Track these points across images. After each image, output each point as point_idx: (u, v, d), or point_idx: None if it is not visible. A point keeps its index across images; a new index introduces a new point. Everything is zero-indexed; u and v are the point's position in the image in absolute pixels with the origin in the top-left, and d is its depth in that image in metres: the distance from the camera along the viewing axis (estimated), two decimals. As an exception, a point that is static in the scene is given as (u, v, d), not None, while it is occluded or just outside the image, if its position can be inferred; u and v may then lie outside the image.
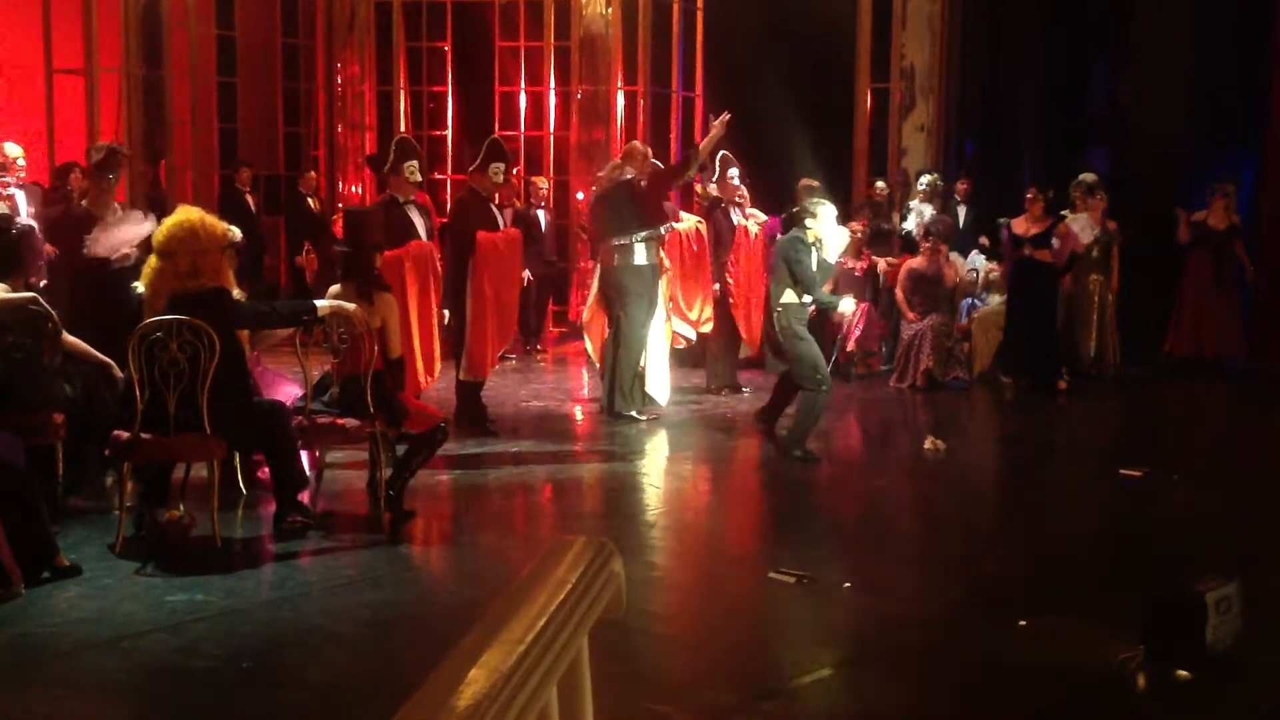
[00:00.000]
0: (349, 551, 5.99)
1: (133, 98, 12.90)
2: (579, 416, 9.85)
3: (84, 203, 7.48)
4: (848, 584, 5.48)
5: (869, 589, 5.47)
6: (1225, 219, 11.98)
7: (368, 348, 6.32)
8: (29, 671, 4.42)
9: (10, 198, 8.79)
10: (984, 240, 12.00)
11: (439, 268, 8.14)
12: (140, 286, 5.99)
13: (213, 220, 5.98)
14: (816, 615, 5.18)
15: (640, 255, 9.26)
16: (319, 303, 6.33)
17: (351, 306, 6.28)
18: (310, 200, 13.86)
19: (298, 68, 15.07)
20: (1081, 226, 11.38)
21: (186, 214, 5.96)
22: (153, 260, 5.91)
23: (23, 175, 9.29)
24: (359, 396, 6.29)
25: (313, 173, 14.24)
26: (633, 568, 5.49)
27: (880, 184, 13.20)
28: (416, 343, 7.77)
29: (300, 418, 6.29)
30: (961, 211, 13.16)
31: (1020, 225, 11.25)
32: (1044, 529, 6.77)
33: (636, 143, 10.23)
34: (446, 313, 8.36)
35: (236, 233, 6.88)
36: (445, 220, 10.11)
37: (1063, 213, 11.48)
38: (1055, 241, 11.14)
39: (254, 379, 6.77)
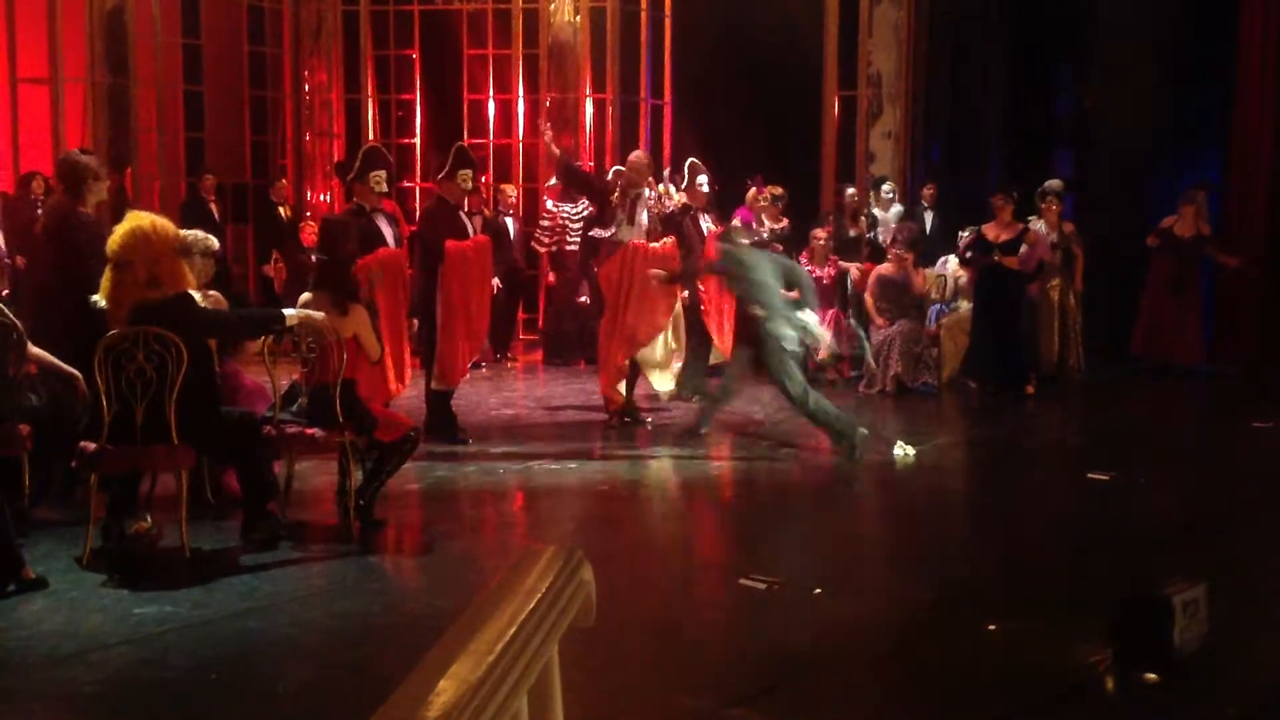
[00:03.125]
0: (318, 561, 5.96)
1: (98, 106, 12.82)
2: (549, 424, 9.83)
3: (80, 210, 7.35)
4: (818, 590, 5.49)
5: (839, 594, 5.49)
6: (1193, 227, 12.07)
7: (336, 357, 6.30)
8: (-5, 685, 4.38)
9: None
10: (960, 248, 12.04)
11: (407, 276, 8.13)
12: (100, 299, 5.90)
13: (164, 223, 5.86)
14: (787, 621, 5.18)
15: None
16: (287, 311, 6.29)
17: (320, 315, 6.25)
18: (281, 209, 13.80)
19: (265, 76, 15.00)
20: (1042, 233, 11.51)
21: (137, 220, 5.86)
22: (109, 272, 5.83)
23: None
24: (328, 406, 6.27)
25: (283, 181, 14.18)
26: (603, 575, 5.47)
27: (850, 190, 13.25)
28: (386, 351, 7.74)
29: (269, 427, 6.26)
30: (928, 217, 13.23)
31: (991, 231, 11.32)
32: (1013, 533, 6.81)
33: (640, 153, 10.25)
34: (415, 321, 8.35)
35: (214, 241, 6.86)
36: (414, 229, 10.08)
37: (1029, 219, 11.57)
38: (1024, 248, 11.22)
39: (235, 389, 6.75)
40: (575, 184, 10.35)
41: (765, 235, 11.77)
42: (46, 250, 7.27)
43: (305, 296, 6.67)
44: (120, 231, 5.81)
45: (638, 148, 13.90)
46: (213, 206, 13.11)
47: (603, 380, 9.57)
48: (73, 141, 12.15)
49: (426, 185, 13.95)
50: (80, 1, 12.64)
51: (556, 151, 9.72)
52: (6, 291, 7.37)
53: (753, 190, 11.93)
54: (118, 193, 12.82)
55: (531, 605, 1.88)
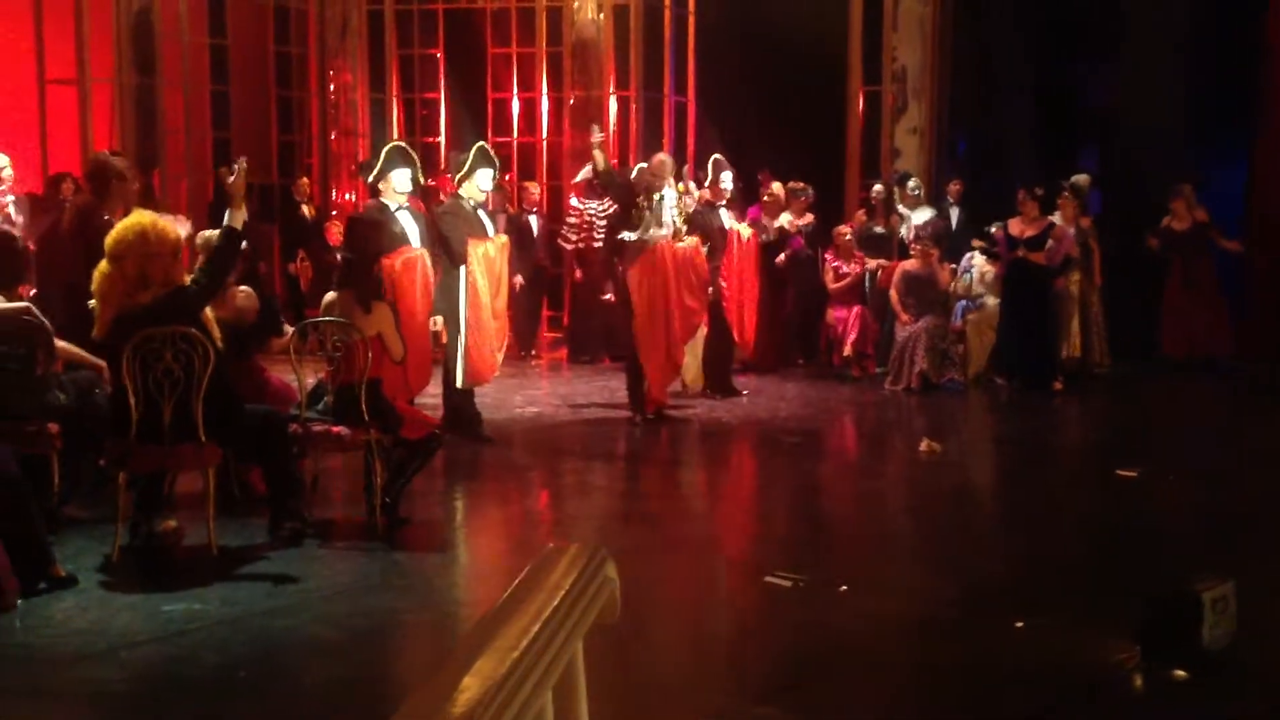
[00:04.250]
0: (344, 559, 5.99)
1: (126, 107, 12.90)
2: (573, 422, 9.84)
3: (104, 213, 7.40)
4: (844, 587, 5.48)
5: (865, 591, 5.47)
6: (1188, 219, 12.10)
7: (361, 356, 6.32)
8: (26, 681, 4.41)
9: (3, 207, 8.80)
10: (980, 243, 11.98)
11: (429, 275, 8.14)
12: (92, 302, 5.88)
13: (164, 225, 5.80)
14: (813, 618, 5.17)
15: None
16: (228, 219, 6.04)
17: (234, 177, 6.10)
18: (304, 207, 13.85)
19: (290, 75, 15.07)
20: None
21: (138, 217, 5.83)
22: (103, 265, 5.77)
23: (9, 185, 9.27)
24: (353, 404, 6.28)
25: (305, 179, 14.23)
26: (628, 572, 5.48)
27: (878, 187, 13.18)
28: (408, 349, 7.75)
29: (295, 425, 6.29)
30: (954, 213, 13.18)
31: (1016, 227, 11.27)
32: (1040, 530, 6.78)
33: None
34: (438, 320, 8.35)
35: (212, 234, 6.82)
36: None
37: (1052, 215, 11.52)
38: (1050, 243, 11.17)
39: (261, 387, 6.78)
40: (613, 190, 10.23)
41: (776, 229, 11.76)
42: (71, 250, 7.33)
43: (330, 295, 6.69)
44: (119, 226, 5.79)
45: (661, 145, 13.92)
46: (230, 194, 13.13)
47: (657, 384, 9.50)
48: (100, 142, 12.24)
49: (450, 184, 13.98)
50: (107, 3, 12.72)
51: (600, 159, 9.64)
52: (35, 291, 7.41)
53: (763, 187, 11.90)
54: (145, 193, 12.92)
55: (555, 602, 1.88)
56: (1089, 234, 11.92)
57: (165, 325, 5.60)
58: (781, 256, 11.73)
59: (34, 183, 11.97)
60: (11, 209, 9.00)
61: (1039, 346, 11.20)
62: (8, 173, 9.29)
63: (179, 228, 6.19)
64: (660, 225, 9.25)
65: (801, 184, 12.45)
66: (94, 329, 5.76)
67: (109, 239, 5.76)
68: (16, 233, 6.85)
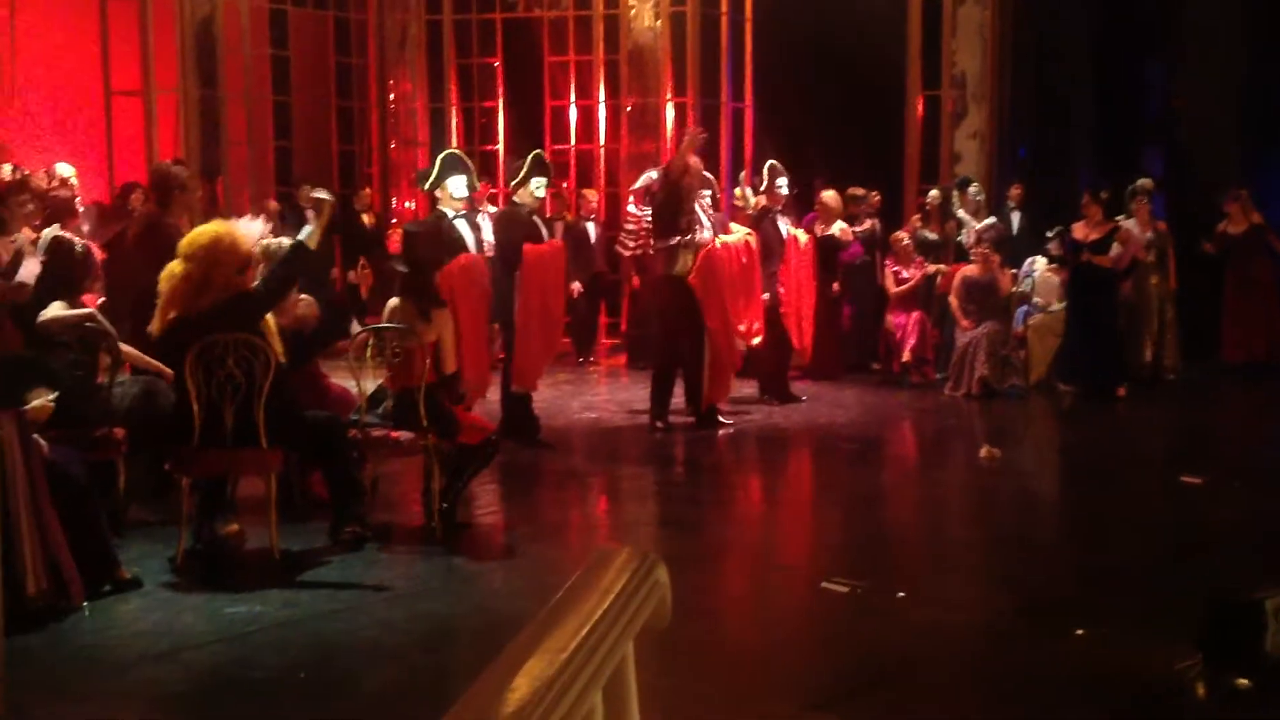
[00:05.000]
0: (403, 563, 6.04)
1: (189, 118, 13.10)
2: (631, 427, 9.84)
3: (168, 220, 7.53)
4: (901, 594, 5.45)
5: (923, 599, 5.43)
6: (1244, 222, 11.99)
7: (420, 361, 6.37)
8: (91, 683, 4.49)
9: (78, 215, 8.96)
10: (1056, 250, 11.83)
11: (487, 281, 8.19)
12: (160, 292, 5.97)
13: (238, 238, 5.87)
14: (869, 625, 5.15)
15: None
16: (301, 235, 6.20)
17: (326, 196, 6.19)
18: (365, 216, 13.99)
19: (351, 86, 15.24)
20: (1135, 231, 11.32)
21: (218, 225, 5.95)
22: (174, 264, 5.88)
23: (76, 194, 9.46)
24: (412, 409, 6.34)
25: (366, 189, 14.37)
26: (684, 577, 5.48)
27: (933, 193, 13.10)
28: (467, 355, 7.81)
29: (354, 430, 6.35)
30: (1015, 217, 13.07)
31: (1080, 231, 11.17)
32: (1101, 537, 6.70)
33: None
34: (497, 326, 8.41)
35: (287, 243, 6.94)
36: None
37: (1117, 218, 11.39)
38: (1116, 247, 11.05)
39: (322, 392, 6.85)
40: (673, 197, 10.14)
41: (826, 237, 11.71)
42: (136, 258, 7.47)
43: (393, 301, 6.75)
44: (196, 230, 5.92)
45: (718, 152, 13.91)
46: (310, 215, 13.31)
47: (724, 389, 9.53)
48: (165, 152, 12.44)
49: (508, 191, 14.06)
50: (171, 16, 12.93)
51: (692, 160, 9.63)
52: (103, 299, 7.55)
53: (828, 194, 11.84)
54: (209, 203, 13.11)
55: (606, 605, 1.89)
56: (1165, 238, 11.81)
57: (223, 331, 5.68)
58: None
59: (101, 192, 12.19)
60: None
61: (1104, 352, 11.07)
62: (74, 182, 9.48)
63: (256, 225, 6.31)
64: (704, 228, 9.26)
65: (863, 190, 12.41)
66: (153, 323, 5.84)
67: (183, 242, 5.87)
68: (81, 241, 6.95)
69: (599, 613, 1.86)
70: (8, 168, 9.33)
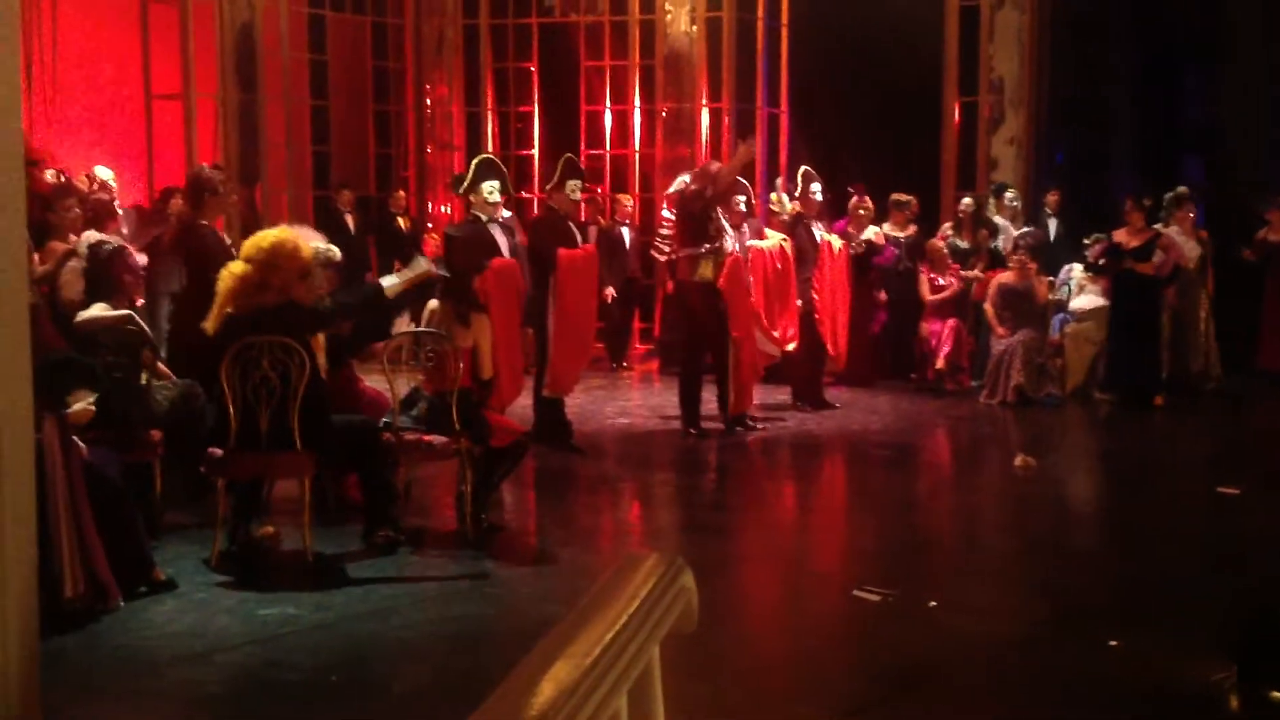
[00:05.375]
0: (435, 566, 6.06)
1: (229, 122, 13.20)
2: (664, 432, 9.84)
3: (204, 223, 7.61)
4: (933, 603, 5.42)
5: (956, 608, 5.41)
6: None
7: (454, 365, 6.40)
8: (126, 683, 4.53)
9: (117, 219, 9.04)
10: (1098, 258, 11.73)
11: (521, 285, 8.21)
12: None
13: (299, 246, 5.97)
14: (901, 633, 5.13)
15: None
16: (385, 282, 6.34)
17: (427, 266, 6.28)
18: (400, 220, 14.06)
19: (388, 90, 15.32)
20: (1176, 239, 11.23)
21: (281, 231, 6.06)
22: (234, 264, 5.99)
23: (116, 197, 9.55)
24: (445, 413, 6.37)
25: (402, 192, 14.45)
26: (715, 583, 5.49)
27: (967, 200, 13.01)
28: (500, 359, 7.83)
29: (388, 434, 6.38)
30: (1052, 224, 13.00)
31: (1121, 237, 11.09)
32: (1136, 547, 6.65)
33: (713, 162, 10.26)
34: (530, 330, 8.43)
35: (336, 252, 7.03)
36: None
37: (1156, 225, 11.30)
38: (1158, 254, 10.96)
39: (355, 396, 6.89)
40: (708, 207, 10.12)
41: (864, 242, 11.70)
42: (172, 260, 7.56)
43: (433, 303, 6.78)
44: (260, 233, 6.01)
45: (753, 157, 13.89)
46: (348, 219, 13.43)
47: (748, 398, 9.54)
48: (204, 156, 12.53)
49: (544, 196, 14.10)
50: (211, 20, 13.04)
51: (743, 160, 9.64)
52: (141, 301, 7.62)
53: (854, 199, 11.81)
54: (249, 206, 13.23)
55: (631, 610, 1.90)
56: (1206, 246, 11.71)
57: (272, 334, 5.74)
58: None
59: (141, 196, 12.30)
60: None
61: (1144, 360, 10.98)
62: (113, 185, 9.58)
63: (315, 243, 6.41)
64: (730, 236, 9.27)
65: (905, 196, 12.38)
66: (208, 321, 5.92)
67: (247, 245, 5.95)
68: (120, 244, 7.02)
69: (624, 617, 1.87)
70: (51, 173, 9.42)
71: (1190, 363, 11.59)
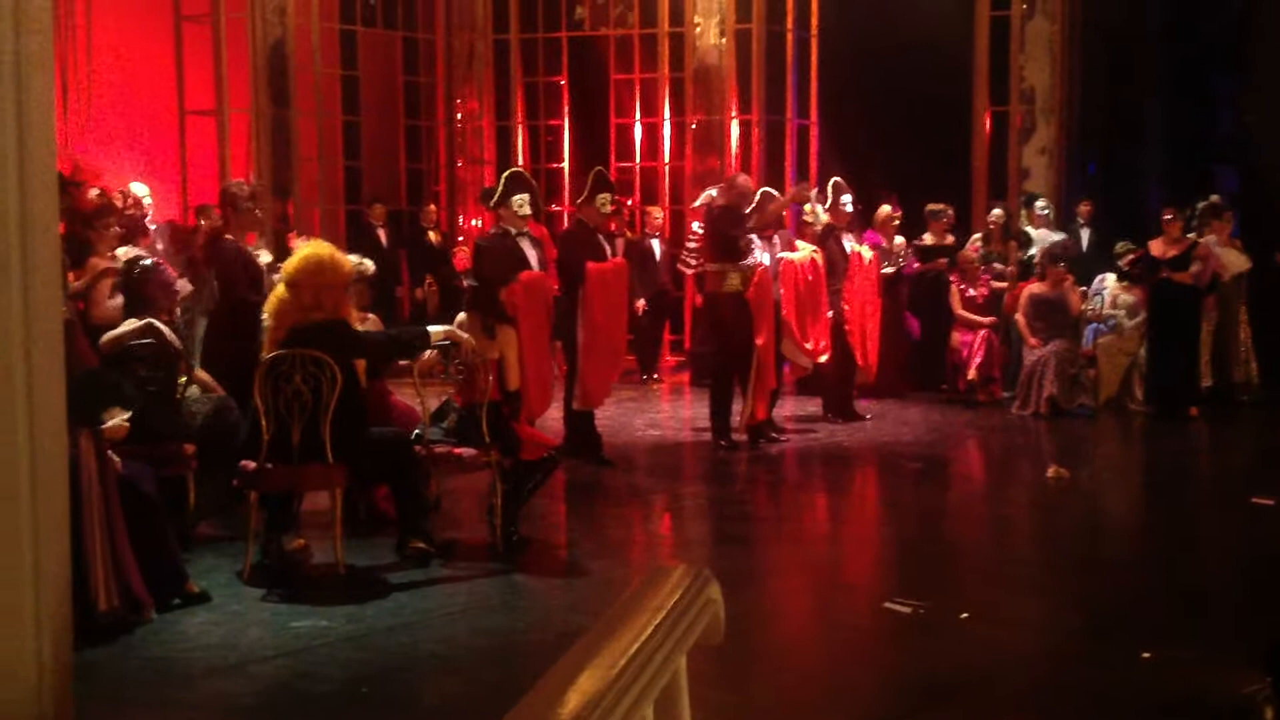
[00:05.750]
0: (466, 579, 6.07)
1: (262, 137, 13.30)
2: (695, 444, 9.83)
3: (228, 236, 7.69)
4: (965, 615, 5.40)
5: (988, 620, 5.38)
6: None
7: (483, 378, 6.42)
8: (160, 695, 4.57)
9: (150, 234, 9.14)
10: (1132, 267, 11.67)
11: (551, 298, 8.24)
12: (266, 317, 6.17)
13: (341, 257, 6.09)
14: (932, 646, 5.11)
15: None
16: (432, 329, 6.44)
17: (465, 335, 6.39)
18: (430, 233, 14.14)
19: (419, 105, 15.41)
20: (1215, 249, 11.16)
21: (317, 248, 6.12)
22: (279, 290, 6.08)
23: (148, 214, 9.64)
24: (475, 426, 6.39)
25: (433, 206, 14.52)
26: (745, 595, 5.49)
27: (997, 211, 12.95)
28: (529, 372, 7.85)
29: (419, 447, 6.41)
30: (1084, 234, 12.93)
31: (1158, 247, 11.02)
32: (1170, 558, 6.61)
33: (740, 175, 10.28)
34: (560, 343, 8.46)
35: (369, 265, 7.09)
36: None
37: (1189, 234, 11.22)
38: (1196, 264, 10.89)
39: (387, 409, 6.93)
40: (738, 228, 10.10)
41: (902, 256, 11.70)
42: (202, 273, 7.65)
43: (460, 317, 6.81)
44: (299, 255, 6.07)
45: (783, 169, 13.92)
46: (381, 233, 13.52)
47: (762, 408, 9.53)
48: (237, 171, 12.64)
49: (574, 209, 14.15)
50: (244, 37, 13.15)
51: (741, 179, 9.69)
52: (176, 317, 7.70)
53: (885, 209, 11.79)
54: (281, 220, 13.32)
55: (657, 621, 1.91)
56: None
57: (318, 349, 5.79)
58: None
59: (175, 211, 12.41)
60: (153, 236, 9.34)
61: (1181, 371, 10.89)
62: (148, 201, 9.66)
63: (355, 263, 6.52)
64: (758, 249, 9.27)
65: (940, 205, 12.37)
66: (264, 349, 5.99)
67: (288, 268, 6.02)
68: (154, 260, 7.09)
69: (650, 629, 1.88)
70: (94, 191, 9.52)
71: (1232, 373, 11.49)
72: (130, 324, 6.48)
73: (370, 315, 7.10)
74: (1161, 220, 11.08)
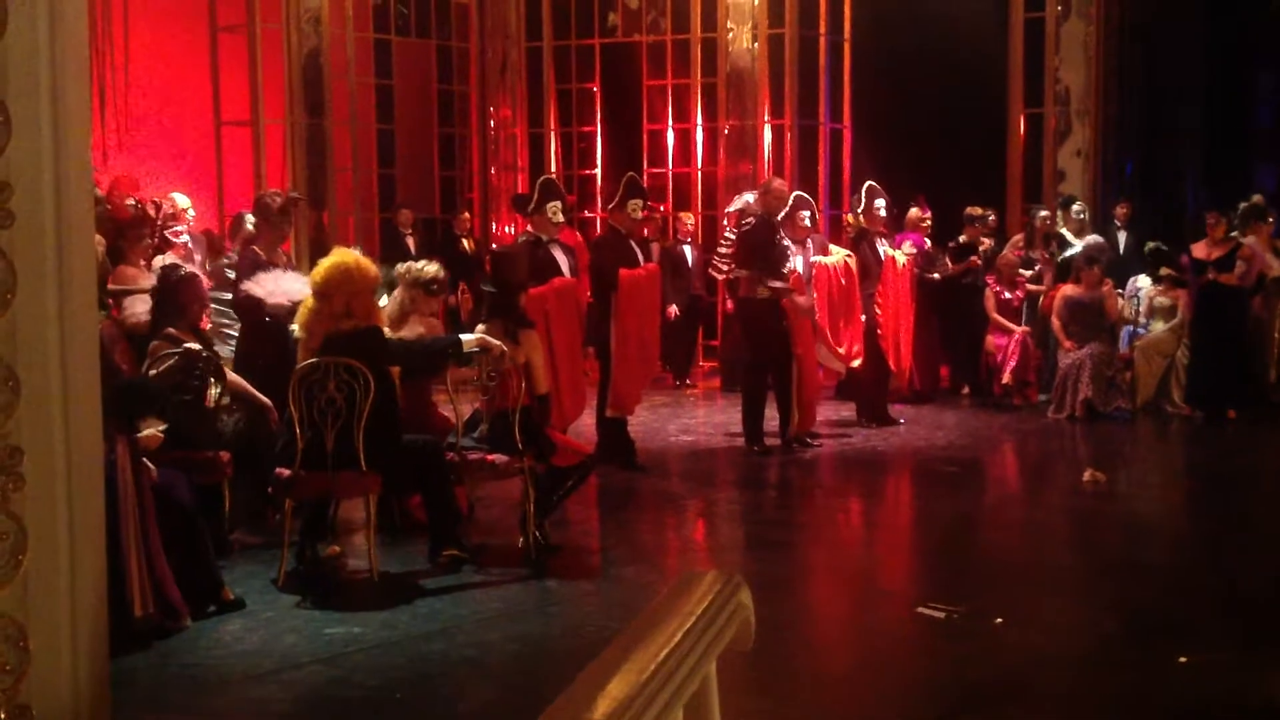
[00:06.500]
0: (499, 585, 6.08)
1: (297, 146, 13.37)
2: (728, 450, 9.81)
3: (254, 246, 7.75)
4: (1000, 619, 5.37)
5: (1022, 625, 5.35)
6: None
7: (515, 384, 6.43)
8: (196, 701, 4.60)
9: (183, 245, 9.20)
10: (1169, 270, 11.57)
11: (583, 305, 8.25)
12: (296, 329, 6.20)
13: (366, 262, 6.15)
14: (967, 651, 5.08)
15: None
16: (464, 337, 6.46)
17: (495, 341, 6.40)
18: (464, 241, 14.18)
19: (452, 113, 15.47)
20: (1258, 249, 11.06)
21: (342, 256, 6.15)
22: (309, 301, 6.12)
23: (191, 224, 9.72)
24: (507, 432, 6.40)
25: (466, 214, 14.57)
26: (778, 600, 5.48)
27: (1043, 213, 12.83)
28: (562, 378, 7.86)
29: (451, 454, 6.43)
30: (1121, 236, 12.83)
31: (1201, 250, 10.93)
32: (1207, 562, 6.55)
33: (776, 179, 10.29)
34: (591, 350, 8.47)
35: (430, 269, 7.11)
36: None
37: (1232, 234, 11.11)
38: (1240, 265, 10.79)
39: (428, 418, 6.96)
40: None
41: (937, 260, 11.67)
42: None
43: (481, 327, 6.83)
44: (325, 265, 6.10)
45: (816, 173, 13.88)
46: (409, 240, 13.56)
47: (811, 417, 9.55)
48: (273, 181, 12.71)
49: (606, 215, 14.16)
50: (279, 47, 13.23)
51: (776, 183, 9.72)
52: (210, 326, 7.76)
53: (914, 210, 11.74)
54: (316, 228, 13.40)
55: (687, 626, 1.90)
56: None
57: (350, 356, 5.83)
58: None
59: (211, 220, 12.50)
60: (190, 245, 9.41)
61: (1225, 373, 10.79)
62: (191, 213, 9.75)
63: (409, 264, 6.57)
64: (793, 255, 9.27)
65: (981, 209, 12.32)
66: (298, 359, 6.03)
67: (315, 278, 6.06)
68: (185, 269, 7.13)
69: (680, 634, 1.87)
70: (130, 202, 9.60)
71: (1270, 374, 11.37)
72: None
73: (434, 321, 7.13)
74: (1206, 224, 11.00)
